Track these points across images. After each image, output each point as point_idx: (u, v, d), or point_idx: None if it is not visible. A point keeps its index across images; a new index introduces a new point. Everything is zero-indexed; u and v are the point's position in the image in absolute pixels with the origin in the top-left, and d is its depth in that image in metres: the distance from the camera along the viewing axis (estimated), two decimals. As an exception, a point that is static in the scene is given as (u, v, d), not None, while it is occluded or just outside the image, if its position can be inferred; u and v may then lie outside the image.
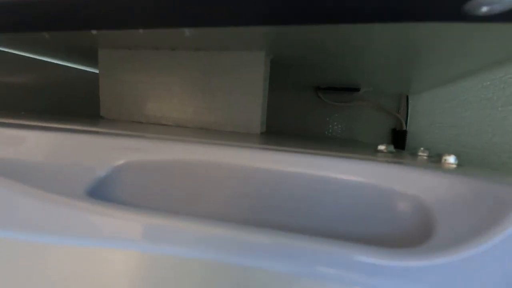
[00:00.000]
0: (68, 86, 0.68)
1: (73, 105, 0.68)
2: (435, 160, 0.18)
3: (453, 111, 0.56)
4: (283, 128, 0.88)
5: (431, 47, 0.37)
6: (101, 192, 0.14)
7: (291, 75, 0.71)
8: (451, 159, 0.17)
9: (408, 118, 0.82)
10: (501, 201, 0.10)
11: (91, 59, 0.61)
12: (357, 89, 0.82)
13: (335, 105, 0.86)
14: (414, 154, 0.23)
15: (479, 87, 0.47)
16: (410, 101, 0.83)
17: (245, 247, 0.11)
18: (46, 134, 0.16)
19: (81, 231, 0.12)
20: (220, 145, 0.16)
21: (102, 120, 0.45)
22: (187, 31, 0.31)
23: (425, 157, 0.21)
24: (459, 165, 0.17)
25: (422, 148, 0.23)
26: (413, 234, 0.11)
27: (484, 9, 0.11)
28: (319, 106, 0.87)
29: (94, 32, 0.29)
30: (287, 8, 0.13)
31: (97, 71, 0.54)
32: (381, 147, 0.24)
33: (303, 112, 0.88)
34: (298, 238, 0.10)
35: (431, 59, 0.45)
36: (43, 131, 0.16)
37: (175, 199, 0.15)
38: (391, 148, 0.24)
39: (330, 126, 0.87)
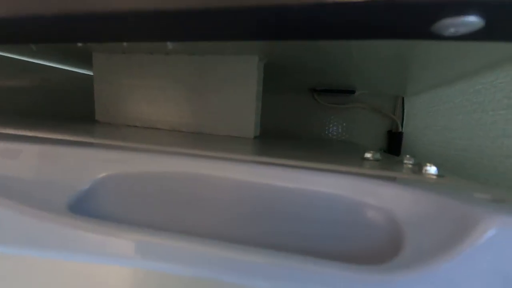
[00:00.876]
0: (64, 89, 0.68)
1: (69, 108, 0.68)
2: (417, 170, 0.18)
3: (447, 114, 0.57)
4: (279, 130, 0.89)
5: (426, 50, 0.38)
6: (83, 206, 0.14)
7: (286, 78, 0.71)
8: (431, 170, 0.17)
9: (404, 120, 0.83)
10: (465, 218, 0.10)
11: (86, 62, 0.61)
12: (352, 91, 0.82)
13: (331, 107, 0.86)
14: (399, 162, 0.23)
15: (471, 91, 0.48)
16: (405, 103, 0.83)
17: (217, 263, 0.11)
18: (26, 146, 0.16)
19: (61, 246, 0.13)
20: (203, 157, 0.16)
21: (92, 126, 0.45)
22: (170, 45, 0.32)
23: (409, 166, 0.22)
24: (439, 175, 0.17)
25: (408, 156, 0.24)
26: (382, 249, 0.11)
27: (451, 30, 0.11)
28: (315, 108, 0.87)
29: (79, 44, 0.30)
30: (268, 30, 0.13)
31: (92, 73, 0.54)
32: (367, 155, 0.24)
33: (299, 114, 0.88)
34: (265, 254, 0.10)
35: (426, 62, 0.45)
36: (22, 143, 0.16)
37: (158, 213, 0.15)
38: (377, 155, 0.24)
39: (326, 128, 0.88)
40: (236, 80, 0.46)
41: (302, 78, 0.72)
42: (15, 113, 0.56)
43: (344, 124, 0.87)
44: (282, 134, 0.84)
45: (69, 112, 0.68)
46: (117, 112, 0.53)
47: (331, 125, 0.88)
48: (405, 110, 0.83)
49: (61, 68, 0.68)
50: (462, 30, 0.10)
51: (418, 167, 0.18)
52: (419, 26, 0.11)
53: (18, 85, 0.59)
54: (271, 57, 0.47)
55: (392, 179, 0.14)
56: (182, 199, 0.15)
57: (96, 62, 0.53)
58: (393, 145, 0.85)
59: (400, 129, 0.85)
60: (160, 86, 0.50)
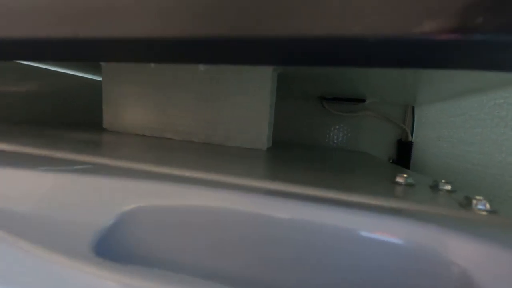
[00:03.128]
0: (70, 94, 0.67)
1: (76, 114, 0.67)
2: (464, 203, 0.17)
3: (462, 126, 0.55)
4: (287, 137, 0.87)
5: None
6: (109, 245, 0.13)
7: (297, 86, 0.70)
8: (482, 205, 0.16)
9: (414, 129, 0.81)
10: None
11: (95, 67, 0.60)
12: (362, 100, 0.81)
13: (340, 115, 0.85)
14: (435, 188, 0.22)
15: (491, 104, 0.46)
16: (416, 112, 0.82)
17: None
18: (40, 174, 0.15)
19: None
20: (238, 189, 0.15)
21: (102, 137, 0.44)
22: (201, 67, 0.31)
23: (448, 193, 0.20)
24: (492, 212, 0.15)
25: (443, 181, 0.22)
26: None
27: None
28: (324, 116, 0.86)
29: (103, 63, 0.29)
30: (299, 57, 0.12)
31: (100, 79, 0.53)
32: (399, 179, 0.23)
33: (307, 121, 0.87)
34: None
35: (439, 74, 0.44)
36: (35, 171, 0.15)
37: (195, 252, 0.14)
38: (410, 180, 0.23)
39: (335, 136, 0.86)
40: (250, 90, 0.45)
41: (313, 87, 0.71)
42: (21, 119, 0.55)
43: (353, 132, 0.86)
44: (290, 142, 0.83)
45: (76, 119, 0.67)
46: (125, 121, 0.52)
47: (340, 133, 0.86)
48: (415, 119, 0.81)
49: (69, 73, 0.67)
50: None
51: (466, 200, 0.17)
52: None
53: (25, 90, 0.58)
54: (285, 67, 0.46)
55: (456, 226, 0.12)
56: (222, 236, 0.13)
57: (105, 69, 0.52)
58: (403, 154, 0.84)
59: (410, 139, 0.83)
60: (170, 95, 0.49)
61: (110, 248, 0.13)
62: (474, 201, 0.16)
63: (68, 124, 0.59)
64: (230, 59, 0.14)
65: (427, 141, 0.74)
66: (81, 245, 0.13)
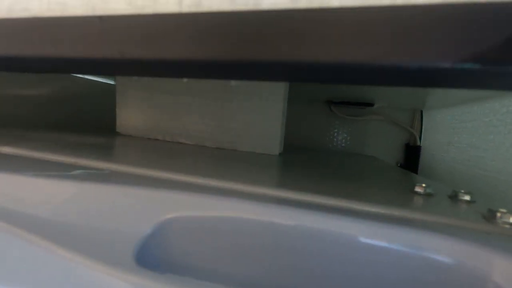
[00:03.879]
0: (84, 98, 0.68)
1: (87, 118, 0.68)
2: (488, 216, 0.17)
3: (475, 132, 0.55)
4: (294, 141, 0.87)
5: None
6: (148, 255, 0.13)
7: (305, 90, 0.71)
8: (506, 218, 0.16)
9: (422, 133, 0.81)
10: None
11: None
12: (371, 104, 0.81)
13: (348, 118, 0.85)
14: (454, 199, 0.22)
15: (504, 110, 0.46)
16: (424, 117, 0.81)
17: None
18: (80, 184, 0.15)
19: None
20: (274, 202, 0.15)
21: (120, 142, 0.45)
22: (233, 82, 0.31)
23: (467, 204, 0.20)
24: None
25: (462, 191, 0.23)
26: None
27: None
28: (331, 119, 0.86)
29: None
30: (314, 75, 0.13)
31: (113, 82, 0.54)
32: (418, 189, 0.23)
33: (315, 125, 0.87)
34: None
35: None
36: (72, 181, 0.15)
37: (227, 261, 0.14)
38: (429, 189, 0.23)
39: (343, 140, 0.86)
40: (263, 96, 0.46)
41: (321, 91, 0.72)
42: (33, 124, 0.56)
43: (361, 136, 0.86)
44: (298, 145, 0.83)
45: (88, 122, 0.68)
46: (138, 125, 0.53)
47: (348, 137, 0.87)
48: (423, 124, 0.81)
49: (82, 77, 0.68)
50: None
51: (490, 213, 0.17)
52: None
53: (37, 94, 0.59)
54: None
55: (482, 236, 0.12)
56: (257, 246, 0.14)
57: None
58: (411, 159, 0.84)
59: (418, 143, 0.83)
60: (184, 100, 0.50)
61: (150, 257, 0.14)
62: (498, 214, 0.16)
63: (81, 128, 0.60)
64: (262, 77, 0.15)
65: (436, 146, 0.74)
66: (124, 254, 0.13)
